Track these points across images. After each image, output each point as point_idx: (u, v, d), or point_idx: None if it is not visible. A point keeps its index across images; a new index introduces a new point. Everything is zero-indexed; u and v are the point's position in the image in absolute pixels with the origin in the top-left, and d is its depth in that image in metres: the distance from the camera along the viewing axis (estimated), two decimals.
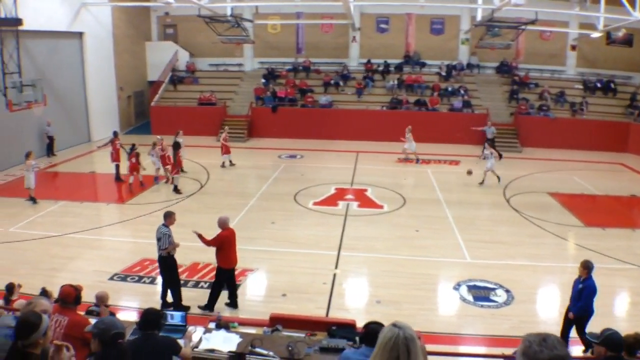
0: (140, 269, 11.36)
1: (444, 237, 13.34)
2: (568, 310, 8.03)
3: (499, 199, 16.76)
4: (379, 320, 4.67)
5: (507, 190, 17.73)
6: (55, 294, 6.96)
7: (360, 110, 26.75)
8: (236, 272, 11.01)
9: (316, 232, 13.67)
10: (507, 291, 10.23)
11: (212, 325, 6.57)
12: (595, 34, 24.67)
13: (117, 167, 18.59)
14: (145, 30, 32.16)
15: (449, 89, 27.49)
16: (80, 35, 24.91)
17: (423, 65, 29.68)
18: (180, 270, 9.82)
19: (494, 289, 10.33)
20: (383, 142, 24.76)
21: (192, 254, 11.17)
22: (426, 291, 10.40)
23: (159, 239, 9.22)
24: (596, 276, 7.81)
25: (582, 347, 7.79)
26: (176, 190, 17.10)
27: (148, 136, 23.42)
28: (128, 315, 8.68)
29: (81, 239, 13.42)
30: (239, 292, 10.40)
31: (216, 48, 30.02)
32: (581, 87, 27.91)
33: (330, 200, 16.45)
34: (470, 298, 10.02)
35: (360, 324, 5.91)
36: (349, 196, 16.93)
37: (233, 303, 9.64)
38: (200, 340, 5.89)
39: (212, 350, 5.68)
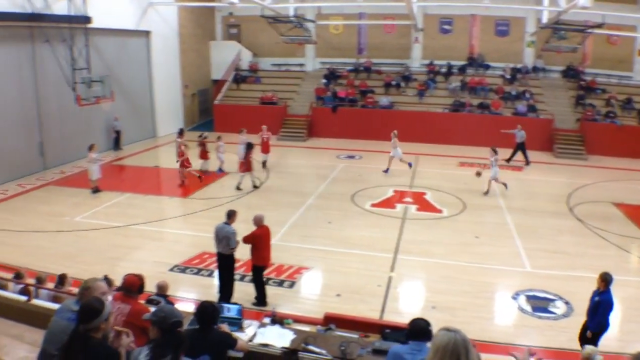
0: (199, 262, 11.67)
1: (504, 244, 13.01)
2: (585, 326, 7.75)
3: (561, 208, 16.18)
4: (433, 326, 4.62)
5: (571, 198, 17.12)
6: (117, 282, 7.23)
7: (422, 112, 26.40)
8: (291, 270, 11.22)
9: (372, 233, 13.61)
10: (567, 303, 9.90)
11: (266, 320, 6.66)
12: None
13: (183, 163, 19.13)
14: (209, 30, 32.91)
15: (513, 92, 26.74)
16: (147, 34, 25.74)
17: (487, 67, 29.02)
18: (237, 264, 10.02)
19: (553, 300, 10.01)
20: (444, 145, 24.42)
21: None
22: (483, 299, 10.18)
23: (223, 238, 9.37)
24: None
25: None
26: (238, 188, 17.43)
27: (210, 134, 23.90)
28: (185, 306, 8.89)
29: (144, 230, 13.91)
30: (294, 289, 10.54)
31: (278, 48, 30.37)
32: None
33: (388, 203, 16.36)
34: (528, 308, 9.75)
35: None
36: (408, 199, 16.76)
37: (261, 301, 9.72)
38: (255, 334, 5.97)
39: (266, 345, 5.74)
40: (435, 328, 3.66)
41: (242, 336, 5.44)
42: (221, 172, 19.56)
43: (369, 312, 9.28)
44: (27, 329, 5.59)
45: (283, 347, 5.65)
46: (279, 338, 5.85)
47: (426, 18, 29.37)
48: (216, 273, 10.34)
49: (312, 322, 7.73)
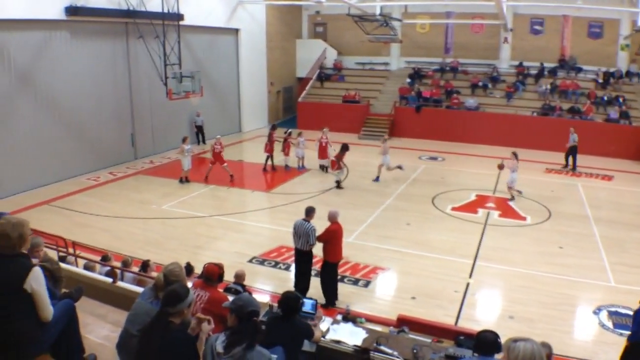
0: (277, 255, 11.91)
1: (588, 256, 12.35)
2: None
3: None
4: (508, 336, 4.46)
5: None
6: (197, 269, 7.47)
7: (509, 115, 25.49)
8: (367, 269, 11.20)
9: (452, 238, 13.33)
10: None
11: (340, 317, 6.69)
12: None
13: (268, 157, 19.63)
14: (296, 28, 33.38)
15: (605, 97, 25.27)
16: (236, 31, 26.48)
17: (579, 70, 27.56)
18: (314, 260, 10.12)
19: None
20: (532, 149, 23.46)
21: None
22: (563, 312, 9.71)
23: (303, 235, 9.48)
24: None
25: None
26: (338, 185, 17.67)
27: (294, 130, 24.24)
28: (262, 297, 9.08)
29: (225, 221, 14.36)
30: (369, 288, 10.51)
31: (363, 47, 30.38)
32: None
33: (470, 207, 15.95)
34: (609, 324, 9.23)
35: None
36: (490, 204, 16.28)
37: (330, 301, 9.62)
38: (328, 330, 6.01)
39: (338, 342, 5.77)
40: (503, 339, 3.57)
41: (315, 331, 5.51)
42: (302, 169, 19.84)
43: (443, 317, 9.12)
44: (111, 309, 5.88)
45: (355, 345, 5.66)
46: (351, 336, 5.86)
47: (516, 18, 28.33)
48: (293, 267, 10.50)
49: (385, 322, 7.68)
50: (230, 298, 5.22)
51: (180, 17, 20.00)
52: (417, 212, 15.37)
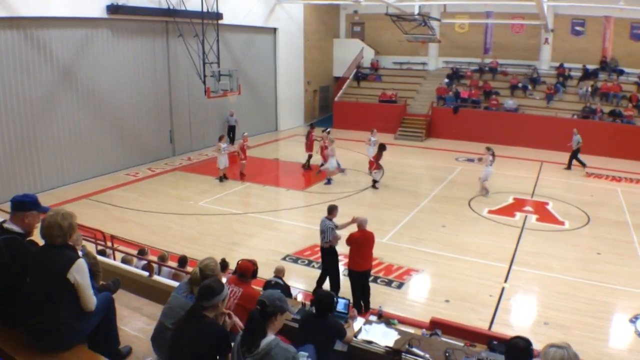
0: (311, 253, 11.98)
1: (627, 264, 12.00)
2: None
3: None
4: (543, 342, 4.39)
5: None
6: (232, 265, 7.56)
7: (549, 117, 24.99)
8: (401, 271, 11.13)
9: (488, 241, 13.15)
10: None
11: (372, 318, 6.67)
12: None
13: (310, 157, 19.73)
14: (333, 28, 33.40)
15: None
16: (274, 30, 26.67)
17: (621, 72, 26.77)
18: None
19: None
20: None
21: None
22: (599, 319, 9.47)
23: (323, 232, 9.55)
24: None
25: None
26: (374, 185, 17.71)
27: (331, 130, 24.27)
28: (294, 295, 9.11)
29: (260, 219, 14.49)
30: (402, 290, 10.46)
31: (401, 46, 30.23)
32: None
33: (507, 210, 15.69)
34: None
35: None
36: (528, 208, 15.98)
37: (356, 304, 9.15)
38: (360, 330, 6.01)
39: (369, 342, 5.75)
40: (542, 345, 3.51)
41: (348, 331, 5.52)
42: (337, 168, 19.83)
43: (477, 321, 9.00)
44: (147, 302, 5.97)
45: (387, 347, 5.63)
46: (383, 337, 5.84)
47: (557, 18, 27.74)
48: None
49: (417, 325, 7.64)
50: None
51: (219, 16, 20.23)
52: (452, 214, 15.22)
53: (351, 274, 9.35)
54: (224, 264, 7.90)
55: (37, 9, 15.15)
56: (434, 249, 12.47)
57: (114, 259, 9.44)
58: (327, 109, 32.69)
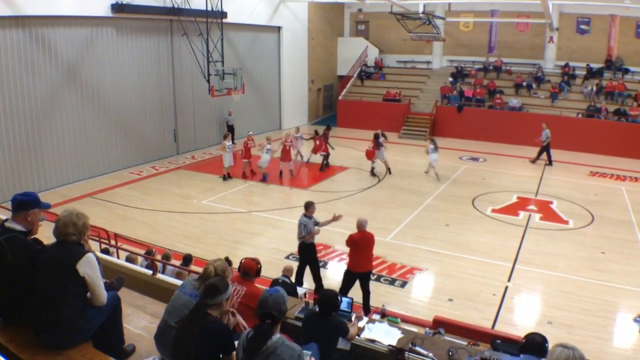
0: None
1: (632, 263, 11.95)
2: None
3: None
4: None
5: None
6: (235, 264, 7.57)
7: (553, 116, 24.84)
8: (404, 270, 11.13)
9: (492, 240, 13.13)
10: None
11: (375, 316, 6.68)
12: None
13: (325, 157, 19.77)
14: (338, 26, 33.38)
15: None
16: (278, 29, 26.69)
17: (626, 71, 26.63)
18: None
19: None
20: (576, 152, 22.97)
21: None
22: (603, 319, 9.45)
23: (298, 227, 9.61)
24: None
25: None
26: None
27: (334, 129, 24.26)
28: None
29: (264, 217, 14.53)
30: (405, 289, 10.45)
31: (405, 45, 30.18)
32: None
33: (511, 209, 15.66)
34: None
35: None
36: (532, 207, 15.95)
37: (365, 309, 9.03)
38: (363, 328, 6.01)
39: (372, 341, 5.75)
40: (549, 344, 3.53)
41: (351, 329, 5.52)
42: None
43: (480, 320, 8.99)
44: (150, 301, 5.98)
45: (390, 345, 5.63)
46: (386, 335, 5.84)
47: (562, 17, 27.62)
48: (328, 265, 10.78)
49: (420, 323, 7.66)
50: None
51: (223, 15, 20.24)
52: (456, 213, 15.20)
53: (348, 274, 9.16)
54: (228, 263, 7.89)
55: (42, 8, 15.20)
56: (438, 248, 12.47)
57: (118, 257, 9.47)
58: (331, 108, 32.70)
